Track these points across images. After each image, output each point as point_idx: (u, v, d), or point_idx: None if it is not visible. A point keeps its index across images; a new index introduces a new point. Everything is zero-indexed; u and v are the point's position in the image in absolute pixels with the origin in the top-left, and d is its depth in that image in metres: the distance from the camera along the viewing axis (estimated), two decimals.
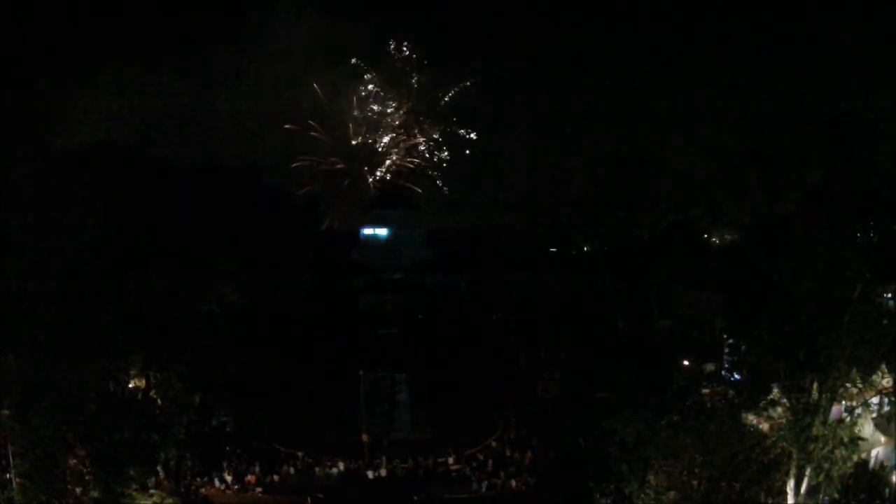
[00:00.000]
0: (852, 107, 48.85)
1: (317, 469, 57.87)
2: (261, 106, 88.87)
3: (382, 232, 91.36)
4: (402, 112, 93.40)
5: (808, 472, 41.71)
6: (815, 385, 41.65)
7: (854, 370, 42.31)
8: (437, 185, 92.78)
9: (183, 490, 52.72)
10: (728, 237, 64.41)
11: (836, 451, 40.99)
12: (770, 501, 42.01)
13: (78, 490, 44.79)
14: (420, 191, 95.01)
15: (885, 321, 42.74)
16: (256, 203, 69.63)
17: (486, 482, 55.12)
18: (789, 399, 42.07)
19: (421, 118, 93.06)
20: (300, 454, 59.29)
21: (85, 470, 44.93)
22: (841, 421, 41.99)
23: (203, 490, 54.20)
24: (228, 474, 55.89)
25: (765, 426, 43.88)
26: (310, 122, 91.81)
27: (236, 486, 55.10)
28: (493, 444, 61.36)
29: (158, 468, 53.03)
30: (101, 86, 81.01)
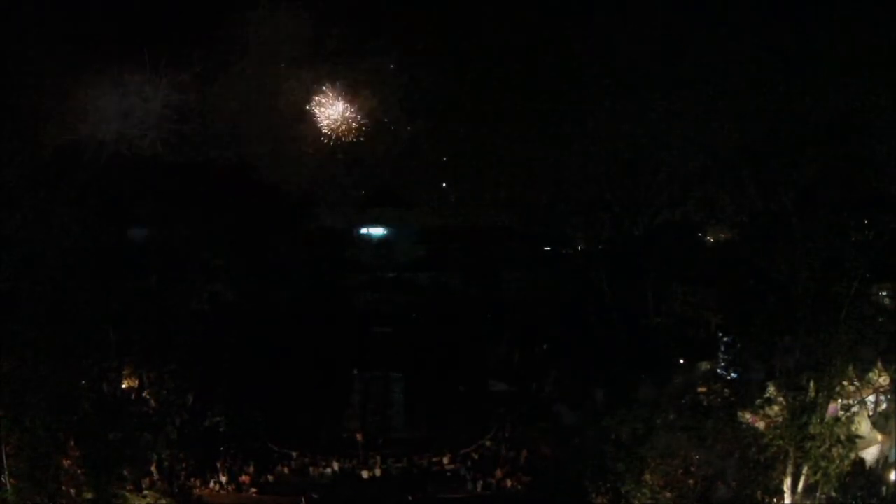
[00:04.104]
0: (849, 103, 48.64)
1: (311, 469, 57.65)
2: (252, 102, 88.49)
3: (377, 230, 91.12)
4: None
5: (805, 470, 41.72)
6: (811, 383, 41.66)
7: (851, 368, 42.37)
8: (432, 183, 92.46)
9: (177, 490, 52.43)
10: (723, 235, 64.37)
11: (834, 450, 41.04)
12: (767, 500, 42.02)
13: (72, 491, 44.56)
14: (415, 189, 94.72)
15: (882, 318, 42.82)
16: (249, 200, 69.26)
17: (481, 481, 54.96)
18: (786, 397, 42.11)
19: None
20: (294, 454, 59.03)
21: (79, 470, 44.71)
22: (838, 419, 42.01)
23: (197, 490, 53.90)
24: (223, 474, 55.62)
25: (761, 424, 43.83)
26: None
27: (231, 486, 54.84)
28: (488, 443, 61.17)
29: (152, 468, 52.84)
30: (93, 83, 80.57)
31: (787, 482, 41.95)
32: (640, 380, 43.08)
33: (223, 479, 55.24)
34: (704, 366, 47.48)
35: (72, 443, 44.79)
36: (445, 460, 58.38)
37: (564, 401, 48.71)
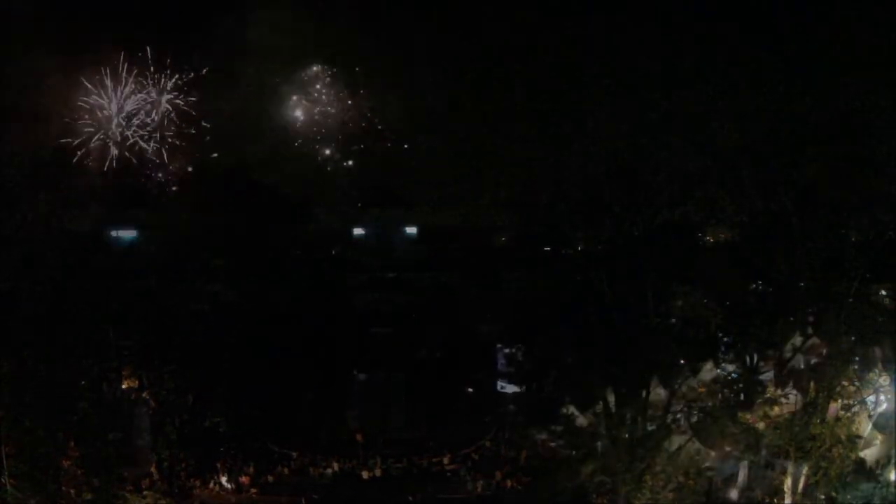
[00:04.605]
0: (849, 103, 48.65)
1: (311, 469, 57.58)
2: (252, 103, 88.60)
3: (377, 230, 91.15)
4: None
5: (805, 470, 41.67)
6: (812, 383, 41.68)
7: (851, 368, 42.40)
8: (432, 182, 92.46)
9: (177, 491, 52.39)
10: (723, 235, 64.28)
11: (834, 450, 41.03)
12: (768, 500, 42.01)
13: (72, 491, 44.53)
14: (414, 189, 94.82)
15: (882, 319, 42.82)
16: (249, 200, 69.34)
17: (481, 481, 54.92)
18: (786, 397, 42.12)
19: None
20: (294, 454, 58.97)
21: (79, 471, 44.69)
22: (838, 419, 41.98)
23: (197, 490, 53.85)
24: (223, 475, 55.55)
25: (761, 425, 43.81)
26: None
27: (231, 487, 54.79)
28: (488, 443, 61.10)
29: (152, 469, 52.79)
30: (94, 83, 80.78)
31: (788, 482, 41.94)
32: (641, 380, 43.02)
33: (223, 479, 55.17)
34: (705, 366, 47.40)
35: (72, 443, 44.74)
36: (445, 460, 58.36)
37: (565, 401, 48.59)
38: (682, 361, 46.09)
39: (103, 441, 45.15)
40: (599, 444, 43.54)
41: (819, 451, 40.96)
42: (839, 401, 43.13)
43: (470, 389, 66.54)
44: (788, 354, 43.67)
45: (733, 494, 42.76)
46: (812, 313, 43.12)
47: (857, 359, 42.46)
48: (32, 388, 41.04)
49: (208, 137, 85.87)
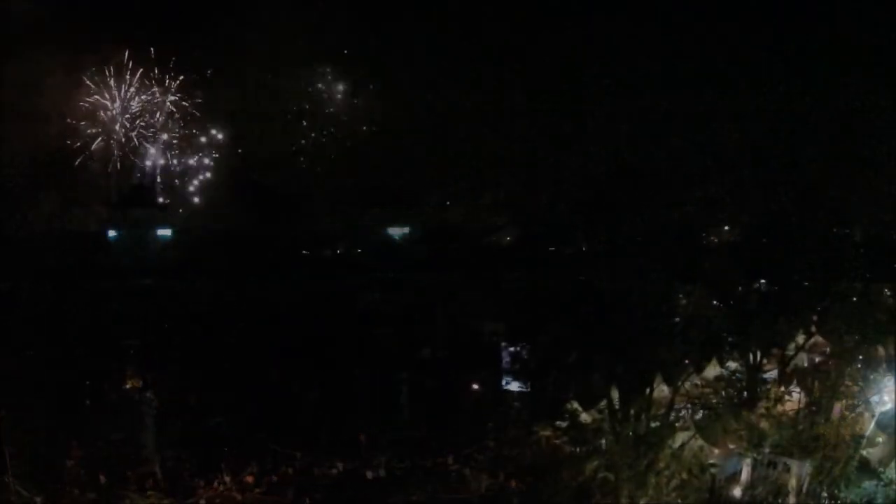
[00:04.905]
0: (849, 103, 48.82)
1: (315, 469, 57.46)
2: (253, 103, 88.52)
3: (377, 230, 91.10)
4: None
5: (808, 470, 41.74)
6: (816, 383, 41.78)
7: (855, 368, 42.52)
8: (433, 182, 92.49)
9: (180, 491, 52.28)
10: (724, 235, 64.41)
11: (838, 449, 41.09)
12: (771, 500, 42.05)
13: (75, 491, 44.53)
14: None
15: (885, 318, 42.95)
16: (250, 201, 69.39)
17: (484, 481, 54.82)
18: (790, 395, 42.23)
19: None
20: (298, 454, 58.86)
21: (82, 471, 44.70)
22: (843, 419, 42.10)
23: (200, 490, 53.71)
24: (226, 475, 55.40)
25: (765, 424, 43.90)
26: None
27: (234, 487, 54.64)
28: (491, 442, 60.99)
29: (156, 469, 52.70)
30: (97, 83, 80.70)
31: (792, 482, 41.98)
32: (644, 378, 43.09)
33: (227, 479, 55.00)
34: (708, 365, 47.51)
35: (74, 443, 44.78)
36: (449, 460, 58.21)
37: (568, 400, 48.67)
38: (685, 360, 46.21)
39: (106, 441, 45.25)
40: (603, 441, 43.42)
41: (823, 451, 41.04)
42: (843, 400, 43.26)
43: (476, 387, 66.55)
44: (791, 353, 43.81)
45: (736, 492, 42.73)
46: (815, 312, 43.20)
47: (860, 358, 42.55)
48: (33, 388, 41.08)
49: (210, 138, 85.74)
